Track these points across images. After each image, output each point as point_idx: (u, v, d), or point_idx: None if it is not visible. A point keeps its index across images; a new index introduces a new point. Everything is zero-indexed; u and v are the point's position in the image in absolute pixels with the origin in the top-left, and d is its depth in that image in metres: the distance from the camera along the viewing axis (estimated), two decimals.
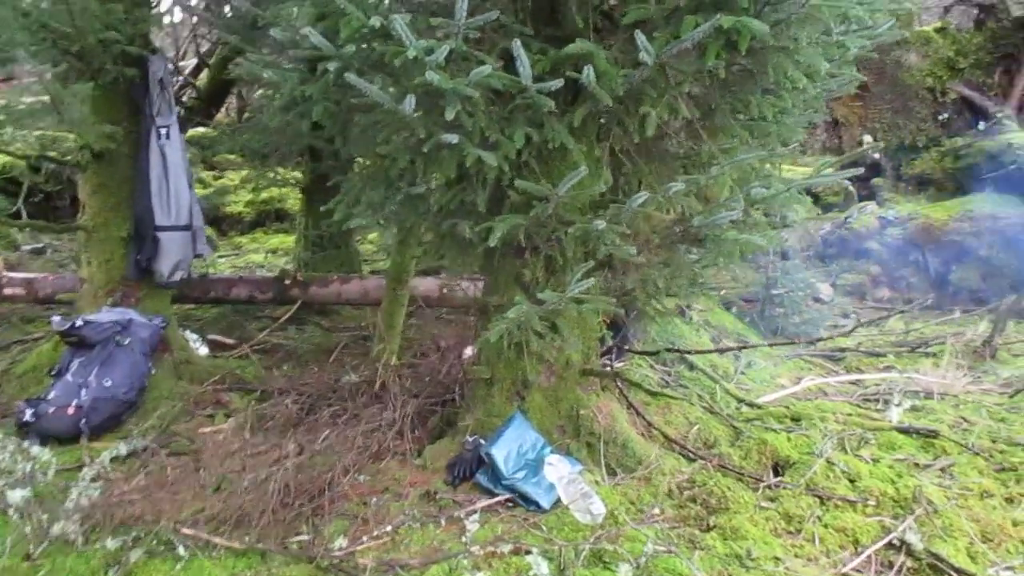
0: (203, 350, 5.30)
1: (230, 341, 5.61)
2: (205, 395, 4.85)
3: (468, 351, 5.62)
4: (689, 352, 4.93)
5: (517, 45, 2.79)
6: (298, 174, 7.97)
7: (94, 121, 4.44)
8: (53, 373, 4.51)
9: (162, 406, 4.63)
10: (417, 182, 3.51)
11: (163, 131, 4.72)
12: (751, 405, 4.62)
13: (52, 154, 5.25)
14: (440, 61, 2.84)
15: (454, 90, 2.86)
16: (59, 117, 4.26)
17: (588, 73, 2.84)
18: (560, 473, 3.56)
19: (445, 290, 6.06)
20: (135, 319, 4.62)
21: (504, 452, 3.55)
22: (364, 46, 2.99)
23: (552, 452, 3.68)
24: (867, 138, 8.76)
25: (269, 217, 11.12)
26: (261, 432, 4.46)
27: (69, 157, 4.84)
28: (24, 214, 9.72)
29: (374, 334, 6.04)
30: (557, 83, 2.88)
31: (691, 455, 3.94)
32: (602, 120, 3.47)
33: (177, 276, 4.84)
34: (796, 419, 4.44)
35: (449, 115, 2.89)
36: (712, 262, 3.66)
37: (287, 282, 5.87)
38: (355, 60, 3.00)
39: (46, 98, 4.42)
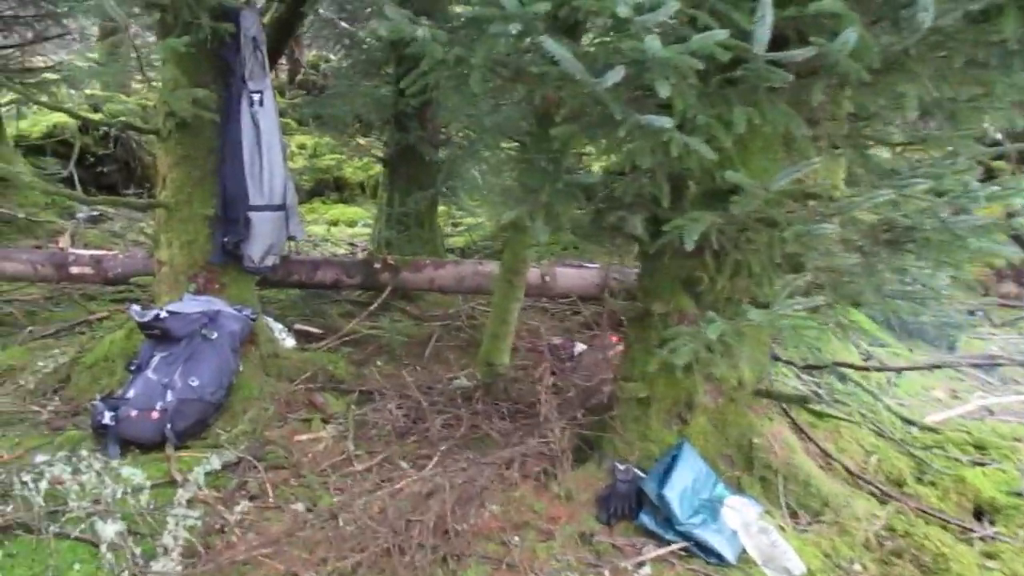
0: (289, 342, 4.77)
1: (317, 331, 5.08)
2: (296, 395, 4.33)
3: (577, 348, 5.08)
4: (860, 369, 4.32)
5: (766, 2, 2.17)
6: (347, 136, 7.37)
7: (184, 84, 3.89)
8: (131, 368, 4.01)
9: (251, 408, 4.13)
10: (582, 170, 2.93)
11: (255, 97, 4.15)
12: (924, 428, 4.02)
13: (135, 121, 4.67)
14: (652, 25, 2.24)
15: (671, 60, 2.26)
16: (144, 79, 3.68)
17: (847, 40, 2.22)
18: (744, 519, 3.00)
19: (547, 278, 5.49)
20: (223, 310, 4.10)
21: (678, 492, 3.00)
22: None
23: (728, 491, 3.12)
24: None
25: (328, 186, 10.57)
26: (365, 442, 3.95)
27: (149, 124, 4.29)
28: (76, 179, 9.30)
29: (466, 323, 5.51)
30: (805, 52, 2.26)
31: (881, 494, 3.36)
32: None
33: (268, 261, 4.30)
34: (980, 447, 3.84)
35: (663, 92, 2.29)
36: (928, 271, 3.04)
37: (376, 266, 5.32)
38: (540, 21, 2.40)
39: (95, 55, 3.89)
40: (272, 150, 4.20)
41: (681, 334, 2.94)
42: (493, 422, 3.99)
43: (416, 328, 5.38)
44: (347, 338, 5.06)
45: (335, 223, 9.59)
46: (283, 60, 13.70)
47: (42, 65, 8.59)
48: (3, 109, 8.37)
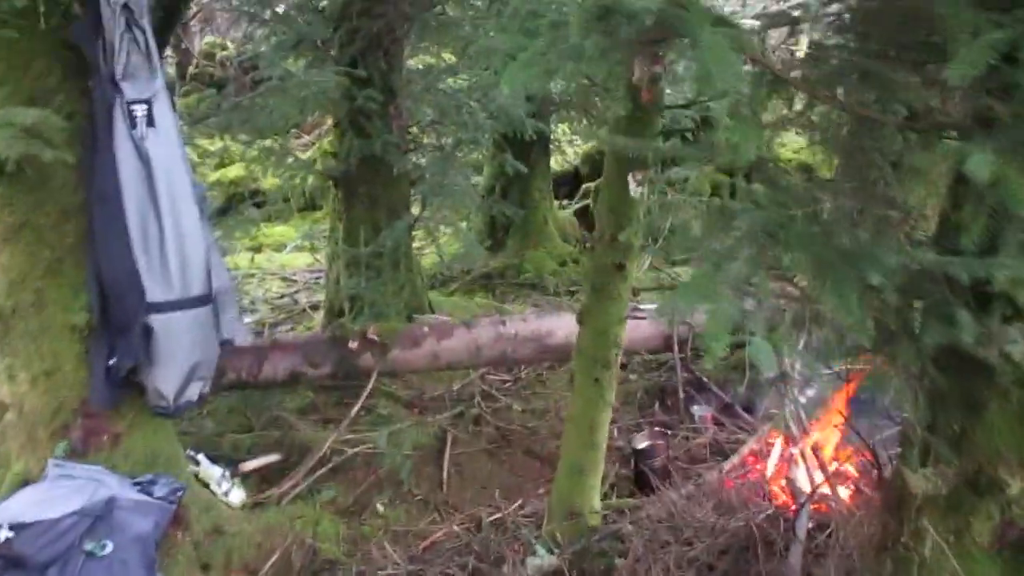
0: (236, 495, 3.00)
1: (274, 459, 3.31)
2: None
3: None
4: None
5: None
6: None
7: (7, 98, 2.08)
8: None
9: None
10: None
11: (138, 111, 2.34)
12: None
13: None
14: None
15: None
16: None
17: None
18: None
19: None
20: (120, 497, 2.31)
21: None
22: None
23: None
24: None
25: (242, 201, 8.60)
26: None
27: None
28: None
29: (486, 410, 3.84)
30: None
31: None
32: None
33: (192, 393, 2.51)
34: None
35: None
36: None
37: (353, 345, 3.55)
38: None
39: None
40: (179, 201, 2.40)
41: None
42: None
43: (419, 430, 3.64)
44: (323, 463, 3.31)
45: (258, 249, 7.69)
46: (169, 51, 11.54)
47: None
48: None
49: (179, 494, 2.45)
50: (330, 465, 3.30)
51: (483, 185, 6.66)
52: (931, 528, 1.80)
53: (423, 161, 4.60)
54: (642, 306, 4.11)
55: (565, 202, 7.79)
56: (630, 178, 2.63)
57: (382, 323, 3.75)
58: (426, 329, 3.71)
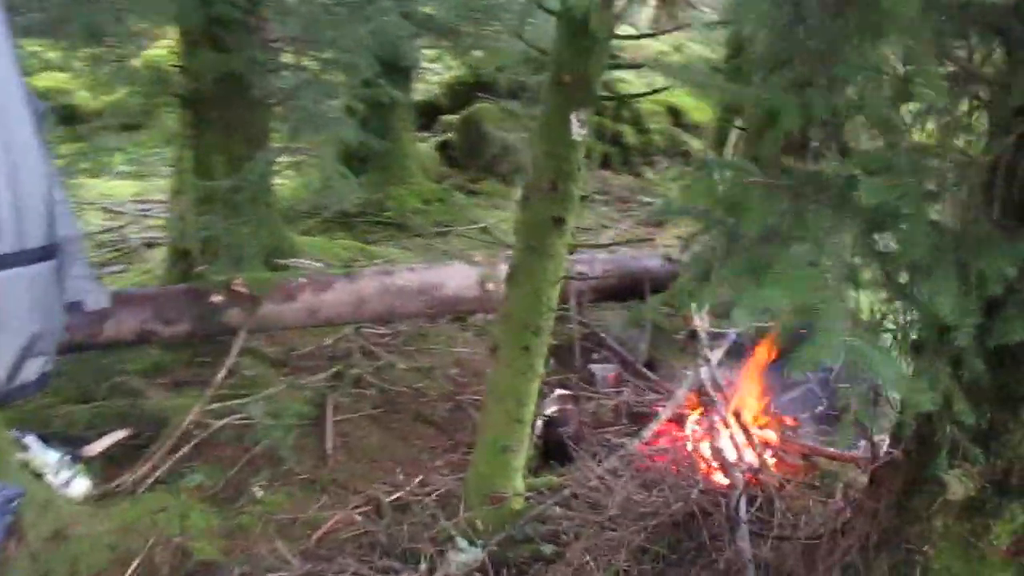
0: (79, 486, 2.46)
1: (122, 435, 2.77)
2: None
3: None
4: None
5: None
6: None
7: None
8: None
9: None
10: None
11: None
12: None
13: None
14: None
15: None
16: None
17: None
18: None
19: (490, 286, 3.51)
20: None
21: None
22: None
23: None
24: None
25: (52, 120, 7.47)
26: None
27: None
28: None
29: (368, 366, 3.45)
30: None
31: None
32: None
33: (30, 373, 1.96)
34: None
35: None
36: None
37: (216, 299, 3.02)
38: None
39: None
40: (10, 120, 1.81)
41: None
42: None
43: (293, 395, 3.19)
44: (184, 439, 2.81)
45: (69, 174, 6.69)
46: None
47: None
48: None
49: (15, 504, 1.91)
50: (194, 442, 2.80)
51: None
52: (946, 529, 1.64)
53: (286, 83, 4.00)
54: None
55: (425, 135, 7.32)
56: (572, 117, 2.29)
57: (244, 270, 3.22)
58: (303, 281, 3.23)
